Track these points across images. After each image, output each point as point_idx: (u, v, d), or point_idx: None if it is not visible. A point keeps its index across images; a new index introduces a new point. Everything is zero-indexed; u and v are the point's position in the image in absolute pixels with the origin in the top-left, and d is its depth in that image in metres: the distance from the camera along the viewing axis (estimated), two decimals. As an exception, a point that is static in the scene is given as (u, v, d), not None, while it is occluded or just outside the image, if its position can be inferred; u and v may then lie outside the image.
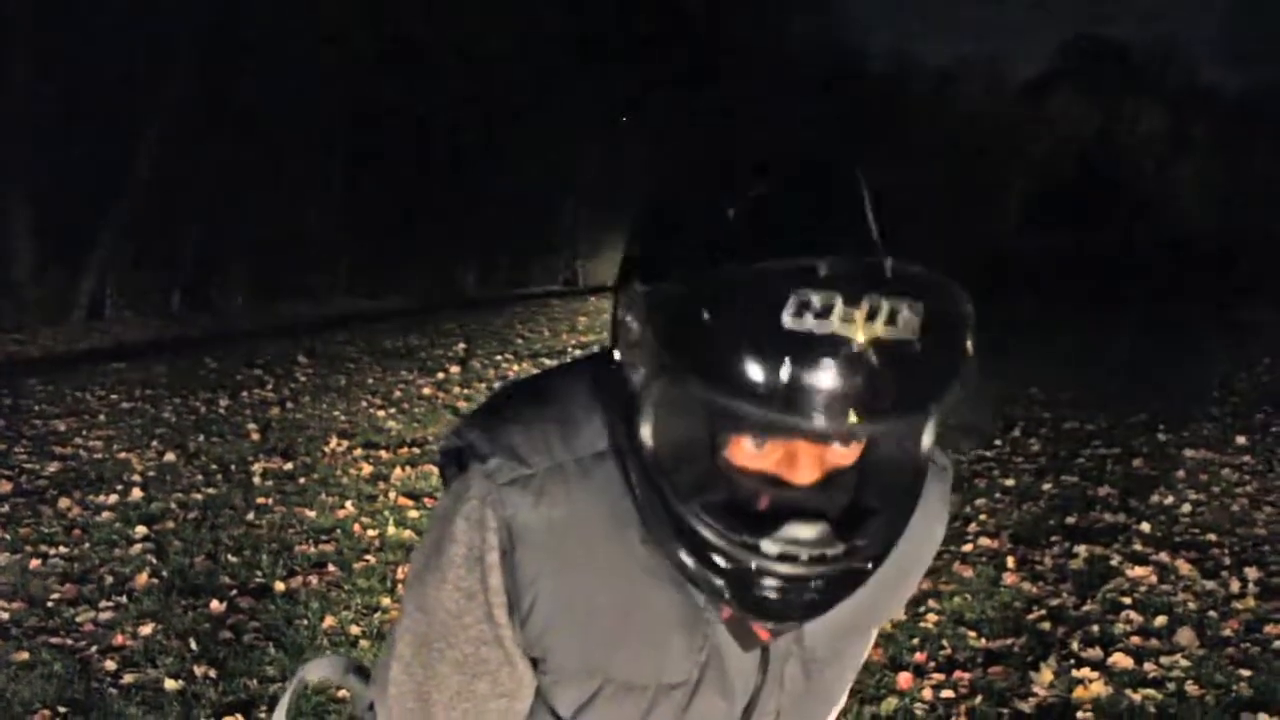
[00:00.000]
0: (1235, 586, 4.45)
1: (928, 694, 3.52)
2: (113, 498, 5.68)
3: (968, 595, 4.38)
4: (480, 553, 0.99)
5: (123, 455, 6.64)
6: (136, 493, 5.78)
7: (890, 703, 3.44)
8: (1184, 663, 3.73)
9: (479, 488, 0.99)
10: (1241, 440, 7.11)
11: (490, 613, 1.01)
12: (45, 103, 14.26)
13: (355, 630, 3.98)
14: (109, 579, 4.52)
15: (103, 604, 4.23)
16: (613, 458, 0.99)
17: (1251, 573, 4.58)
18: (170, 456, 6.61)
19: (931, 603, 4.29)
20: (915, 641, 3.92)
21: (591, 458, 1.00)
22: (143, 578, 4.50)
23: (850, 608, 1.00)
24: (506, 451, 1.00)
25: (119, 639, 3.90)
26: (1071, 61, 48.68)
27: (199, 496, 5.77)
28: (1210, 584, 4.49)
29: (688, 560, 0.93)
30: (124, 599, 4.28)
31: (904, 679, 3.59)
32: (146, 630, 3.97)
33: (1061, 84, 47.70)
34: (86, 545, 4.94)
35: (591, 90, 21.69)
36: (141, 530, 5.14)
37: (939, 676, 3.64)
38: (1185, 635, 3.94)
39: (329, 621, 4.06)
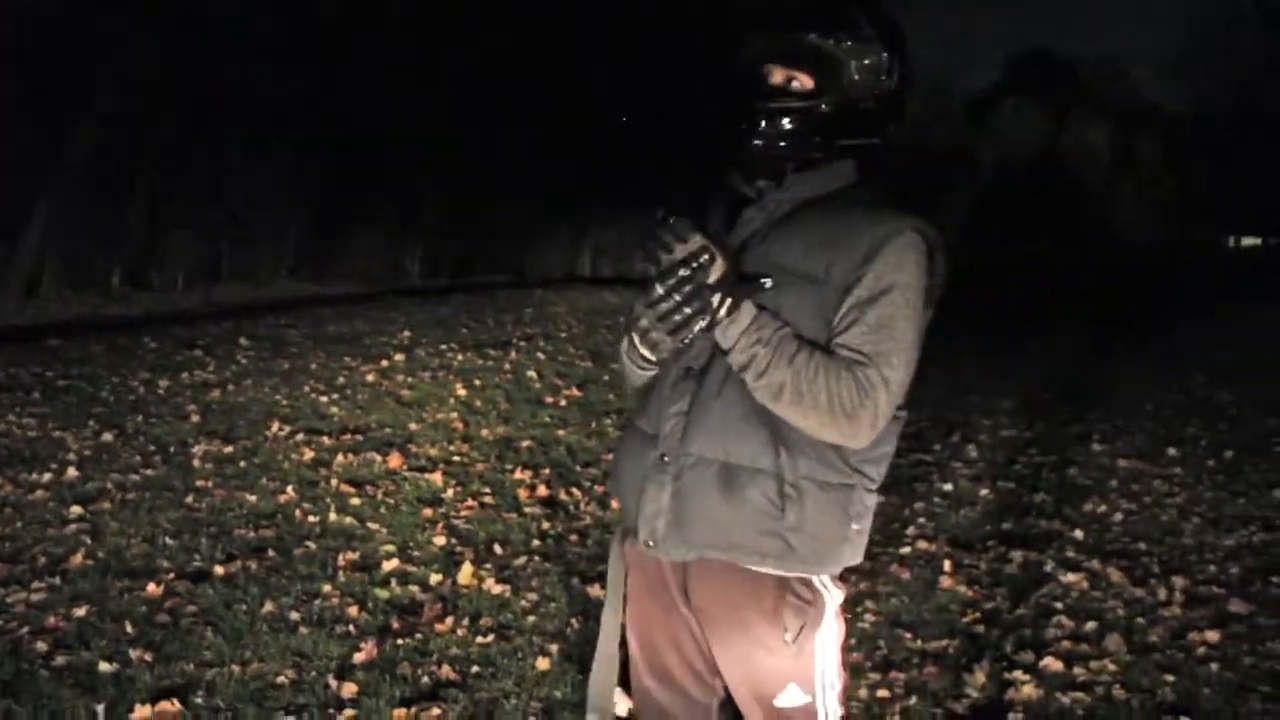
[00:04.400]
0: (1163, 594, 4.56)
1: (863, 693, 3.57)
2: (47, 476, 5.59)
3: (904, 597, 4.45)
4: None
5: (58, 434, 6.52)
6: (72, 472, 5.69)
7: (827, 700, 3.48)
8: (1112, 667, 3.83)
9: None
10: (1172, 452, 7.27)
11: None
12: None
13: (294, 616, 3.96)
14: (42, 559, 4.45)
15: (35, 585, 4.16)
16: None
17: (1178, 581, 4.70)
18: (107, 436, 6.50)
19: (869, 604, 4.36)
20: (853, 641, 3.98)
21: None
22: (77, 558, 4.44)
23: (788, 241, 1.91)
24: None
25: (52, 620, 3.84)
26: (1018, 77, 49.32)
27: (137, 477, 5.70)
28: (1139, 591, 4.60)
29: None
30: (57, 580, 4.22)
31: (841, 677, 3.64)
32: (80, 612, 3.91)
33: (1008, 97, 48.32)
34: (19, 524, 4.86)
35: (542, 84, 21.61)
36: (76, 510, 5.06)
37: (874, 676, 3.70)
38: (1114, 641, 4.04)
39: (268, 607, 4.03)
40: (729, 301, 1.83)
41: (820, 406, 1.81)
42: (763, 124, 1.93)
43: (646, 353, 1.93)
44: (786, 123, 1.92)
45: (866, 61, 1.94)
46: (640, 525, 1.96)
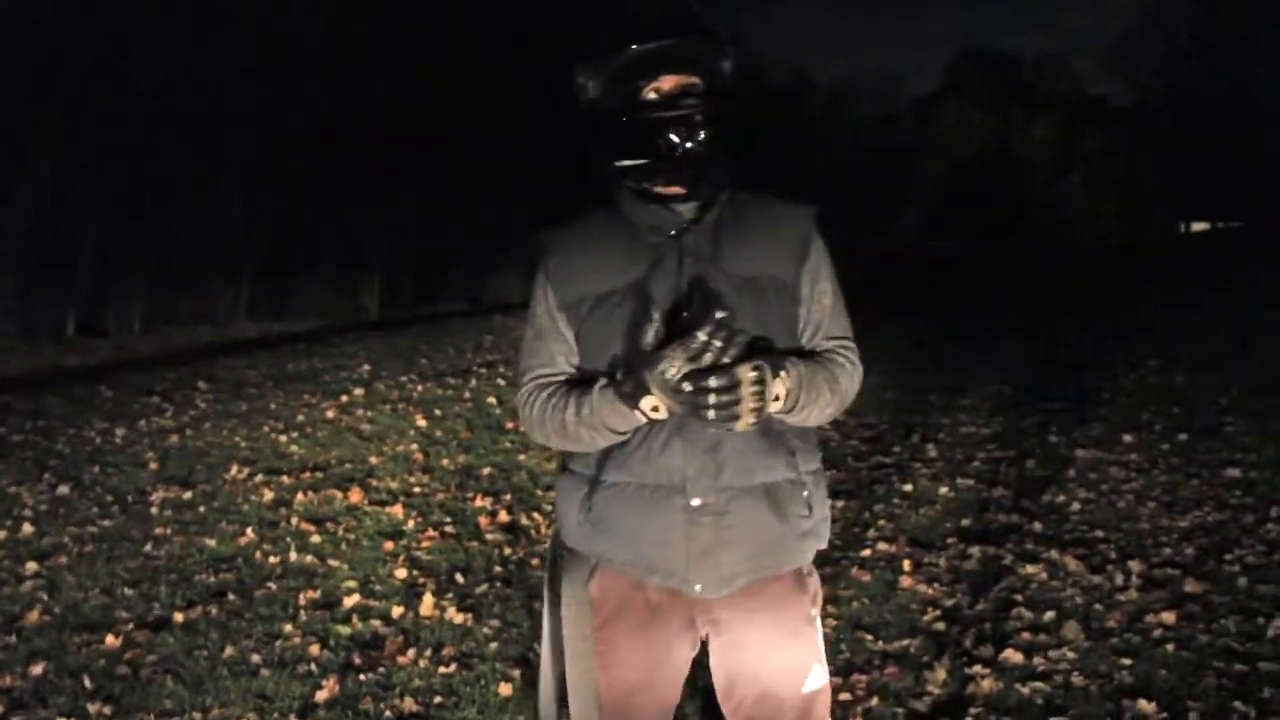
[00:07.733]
0: (1119, 579, 4.62)
1: (826, 697, 3.59)
2: (1, 534, 5.53)
3: (865, 599, 4.48)
4: (539, 281, 2.04)
5: (12, 490, 6.46)
6: (27, 528, 5.63)
7: (790, 707, 3.50)
8: (1070, 655, 3.87)
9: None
10: (1128, 439, 7.36)
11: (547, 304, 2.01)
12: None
13: (256, 659, 3.94)
14: (-2, 618, 4.40)
15: (-9, 644, 4.12)
16: (603, 203, 2.03)
17: (1135, 566, 4.77)
18: (63, 489, 6.44)
19: (830, 608, 4.38)
20: (815, 646, 3.99)
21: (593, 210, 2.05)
22: (34, 615, 4.39)
23: (737, 254, 1.95)
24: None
25: (7, 679, 3.80)
26: (962, 76, 49.89)
27: (94, 529, 5.65)
28: (1096, 578, 4.66)
29: (630, 184, 1.96)
30: (12, 638, 4.18)
31: (803, 683, 3.66)
32: (37, 669, 3.87)
33: (953, 98, 48.87)
34: (-26, 584, 4.81)
35: (493, 100, 21.64)
36: (33, 566, 5.01)
37: (836, 680, 3.72)
38: (1071, 629, 4.09)
39: (229, 651, 4.01)
40: (777, 380, 1.82)
41: (841, 401, 1.99)
42: (687, 136, 1.90)
43: (659, 417, 1.83)
44: (703, 130, 1.91)
45: (727, 52, 1.98)
46: (690, 574, 1.94)
